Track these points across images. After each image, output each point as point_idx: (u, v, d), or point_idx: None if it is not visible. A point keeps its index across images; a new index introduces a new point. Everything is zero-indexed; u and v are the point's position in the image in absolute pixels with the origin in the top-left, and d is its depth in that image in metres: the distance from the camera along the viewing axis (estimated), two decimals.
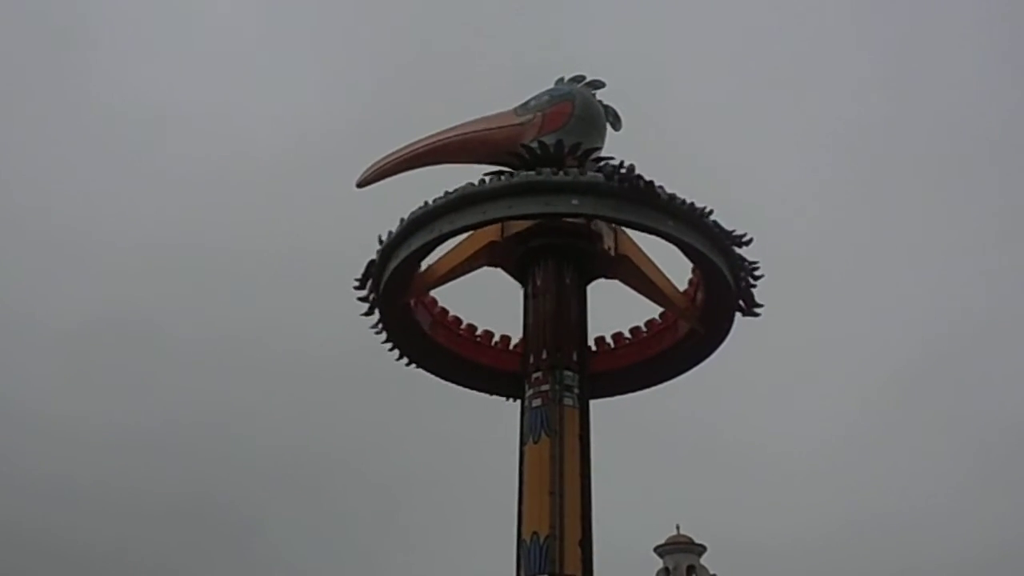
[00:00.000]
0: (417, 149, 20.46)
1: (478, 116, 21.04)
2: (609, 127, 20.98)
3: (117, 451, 52.74)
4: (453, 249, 20.12)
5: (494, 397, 21.45)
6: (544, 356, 18.74)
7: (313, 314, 51.52)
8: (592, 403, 19.24)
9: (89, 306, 56.50)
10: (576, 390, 18.43)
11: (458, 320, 21.70)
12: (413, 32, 62.89)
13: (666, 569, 37.96)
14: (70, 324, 56.06)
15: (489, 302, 22.37)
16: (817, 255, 57.18)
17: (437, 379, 22.03)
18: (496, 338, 21.65)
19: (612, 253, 19.78)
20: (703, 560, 37.86)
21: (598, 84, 21.29)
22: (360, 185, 20.34)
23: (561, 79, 21.47)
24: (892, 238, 60.56)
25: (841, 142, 60.67)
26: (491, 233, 19.91)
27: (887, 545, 50.76)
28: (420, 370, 21.85)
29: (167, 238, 58.15)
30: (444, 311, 21.58)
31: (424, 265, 20.14)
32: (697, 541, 37.91)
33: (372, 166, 20.48)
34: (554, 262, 19.50)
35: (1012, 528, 48.93)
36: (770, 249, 20.23)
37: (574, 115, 20.37)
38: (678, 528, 38.11)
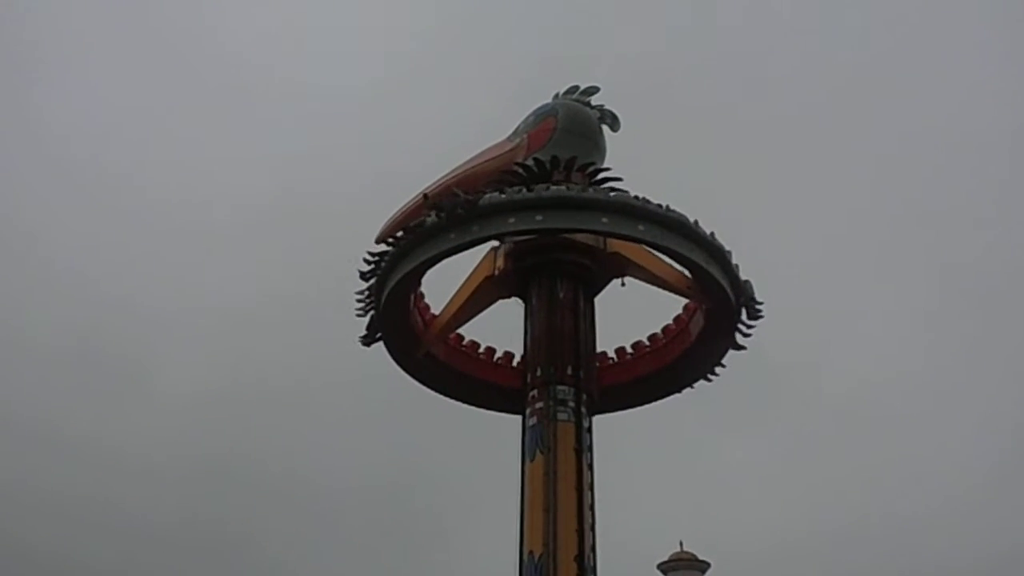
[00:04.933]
0: (428, 192, 20.43)
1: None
2: (607, 129, 21.03)
3: (120, 470, 52.87)
4: (456, 293, 20.46)
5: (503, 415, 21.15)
6: (539, 373, 18.71)
7: (304, 339, 51.66)
8: (598, 418, 19.09)
9: (87, 324, 56.95)
10: (571, 404, 18.28)
11: (475, 344, 21.73)
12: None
13: None
14: (70, 341, 56.48)
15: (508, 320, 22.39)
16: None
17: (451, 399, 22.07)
18: (516, 358, 21.48)
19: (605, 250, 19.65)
20: None
21: (592, 91, 21.37)
22: (378, 241, 20.26)
23: (557, 94, 21.61)
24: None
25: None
26: (486, 269, 20.10)
27: (891, 551, 50.46)
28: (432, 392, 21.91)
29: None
30: (458, 336, 21.60)
31: (435, 310, 20.73)
32: (701, 558, 37.78)
33: (387, 221, 20.60)
34: (547, 278, 19.48)
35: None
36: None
37: (558, 129, 20.50)
38: (681, 545, 37.95)
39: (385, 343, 20.60)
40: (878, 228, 60.82)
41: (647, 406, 21.87)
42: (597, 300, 20.49)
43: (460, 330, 21.50)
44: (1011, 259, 56.75)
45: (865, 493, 54.23)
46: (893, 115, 61.13)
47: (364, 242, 20.28)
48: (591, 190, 18.34)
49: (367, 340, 20.47)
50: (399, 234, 19.18)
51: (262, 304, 56.69)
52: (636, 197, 18.38)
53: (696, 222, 18.33)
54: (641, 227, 17.96)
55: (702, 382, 21.35)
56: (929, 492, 53.14)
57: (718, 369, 20.98)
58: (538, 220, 17.96)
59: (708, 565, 37.89)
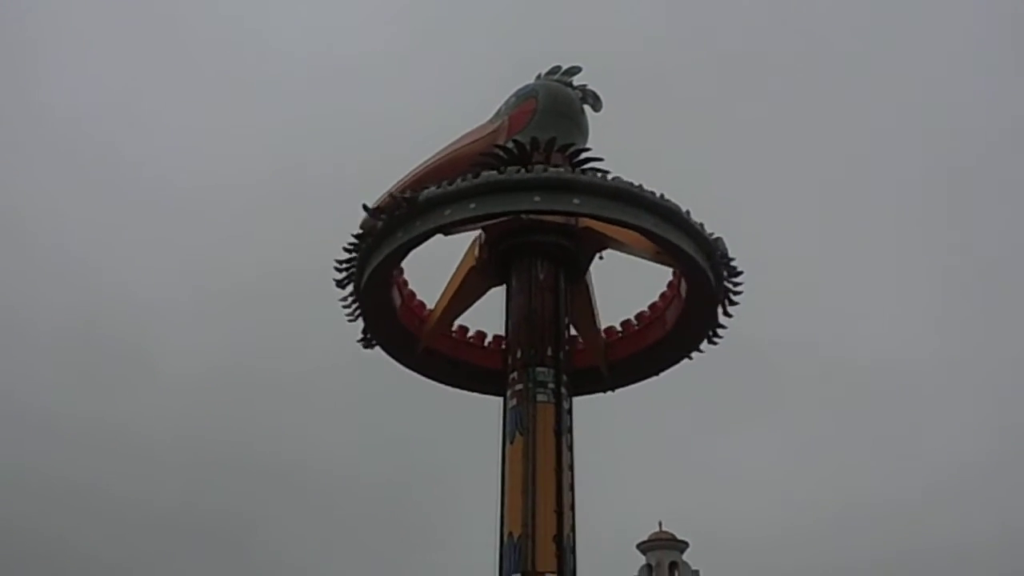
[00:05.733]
0: (414, 176, 20.44)
1: None
2: (589, 109, 20.96)
3: (121, 456, 52.85)
4: (446, 287, 20.75)
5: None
6: (519, 355, 18.70)
7: (304, 324, 51.58)
8: (581, 399, 19.29)
9: (89, 310, 56.85)
10: (551, 385, 18.25)
11: (462, 328, 21.69)
12: None
13: (648, 566, 38.16)
14: (72, 327, 56.42)
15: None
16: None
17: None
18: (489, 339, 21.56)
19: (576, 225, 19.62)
20: (685, 556, 38.04)
21: (574, 71, 21.28)
22: (372, 211, 19.87)
23: (539, 74, 21.52)
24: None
25: None
26: (470, 260, 20.36)
27: (869, 535, 50.92)
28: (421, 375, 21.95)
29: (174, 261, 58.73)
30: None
31: (426, 307, 21.00)
32: (679, 537, 38.12)
33: (376, 201, 20.29)
34: (526, 261, 19.47)
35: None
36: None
37: (538, 110, 20.38)
38: (660, 525, 38.32)
39: (379, 343, 20.93)
40: (880, 222, 61.30)
41: (630, 389, 21.75)
42: (600, 277, 20.65)
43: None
44: (1013, 249, 57.37)
45: (851, 479, 54.87)
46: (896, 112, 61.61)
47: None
48: (523, 170, 18.13)
49: (365, 344, 20.90)
50: (354, 241, 19.34)
51: (263, 289, 56.82)
52: (572, 170, 18.27)
53: (640, 186, 17.95)
54: (576, 200, 17.85)
55: (704, 374, 21.74)
56: (919, 479, 53.72)
57: (717, 359, 20.89)
58: (472, 208, 18.03)
59: (686, 545, 38.23)
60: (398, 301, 20.58)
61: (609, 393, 21.52)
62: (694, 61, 63.48)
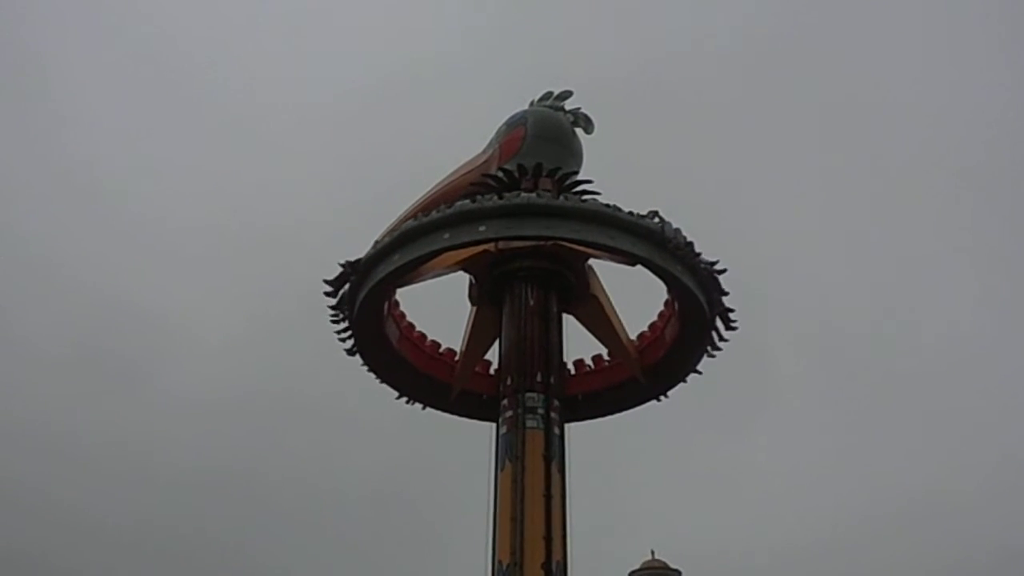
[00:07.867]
0: (414, 210, 20.70)
1: None
2: (581, 132, 21.11)
3: (124, 479, 52.55)
4: (464, 332, 21.22)
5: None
6: (509, 382, 18.71)
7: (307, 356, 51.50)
8: (575, 425, 19.30)
9: (97, 334, 56.92)
10: (541, 411, 18.15)
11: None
12: None
13: None
14: (81, 351, 56.33)
15: None
16: None
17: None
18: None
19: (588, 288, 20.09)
20: None
21: (565, 95, 21.51)
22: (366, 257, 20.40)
23: (532, 101, 21.73)
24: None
25: None
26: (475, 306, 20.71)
27: (870, 556, 50.42)
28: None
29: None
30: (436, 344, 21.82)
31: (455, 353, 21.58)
32: (672, 566, 37.83)
33: (379, 237, 20.47)
34: (517, 288, 19.53)
35: None
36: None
37: (527, 137, 20.60)
38: (653, 553, 38.01)
39: (412, 399, 21.88)
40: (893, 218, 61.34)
41: (628, 412, 21.84)
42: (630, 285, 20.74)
43: (446, 343, 21.82)
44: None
45: (846, 498, 54.29)
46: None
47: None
48: (435, 212, 18.49)
49: (407, 402, 21.85)
50: (335, 314, 20.12)
51: (270, 321, 56.87)
52: (474, 199, 18.39)
53: (548, 198, 18.25)
54: (482, 227, 18.10)
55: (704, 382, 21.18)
56: (912, 497, 53.29)
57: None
58: (396, 260, 18.57)
59: (679, 574, 37.96)
60: (418, 354, 21.20)
61: (635, 408, 21.76)
62: (700, 66, 63.75)
